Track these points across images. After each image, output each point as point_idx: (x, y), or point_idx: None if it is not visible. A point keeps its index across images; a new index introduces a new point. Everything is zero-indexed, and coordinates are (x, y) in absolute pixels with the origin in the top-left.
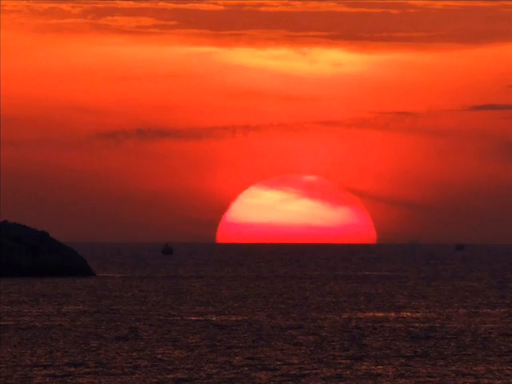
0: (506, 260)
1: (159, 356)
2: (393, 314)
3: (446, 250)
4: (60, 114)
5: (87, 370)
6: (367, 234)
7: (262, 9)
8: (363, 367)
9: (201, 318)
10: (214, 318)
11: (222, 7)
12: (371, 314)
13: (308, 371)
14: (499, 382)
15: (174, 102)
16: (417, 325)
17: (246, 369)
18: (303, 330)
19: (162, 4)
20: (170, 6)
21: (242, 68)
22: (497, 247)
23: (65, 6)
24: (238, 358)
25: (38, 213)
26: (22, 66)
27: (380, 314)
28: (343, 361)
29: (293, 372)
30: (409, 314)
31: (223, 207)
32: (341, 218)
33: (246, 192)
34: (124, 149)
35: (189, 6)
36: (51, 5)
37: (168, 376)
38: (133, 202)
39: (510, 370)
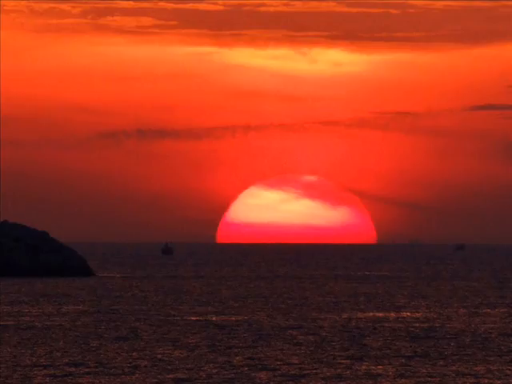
0: (506, 260)
1: (159, 356)
2: (393, 314)
3: (446, 249)
4: (60, 114)
5: (87, 369)
6: (367, 234)
7: (262, 9)
8: (363, 367)
9: (201, 318)
10: (214, 318)
11: (221, 7)
12: (371, 314)
13: (308, 371)
14: (499, 382)
15: (174, 102)
16: (417, 325)
17: (246, 369)
18: (303, 330)
19: (162, 4)
20: (170, 6)
21: (242, 68)
22: (497, 247)
23: (65, 6)
24: (237, 357)
25: (38, 213)
26: (22, 66)
27: (380, 314)
28: (343, 361)
29: (293, 372)
30: (409, 313)
31: (223, 207)
32: (341, 218)
33: (246, 192)
34: (124, 149)
35: (189, 5)
36: (51, 5)
37: (168, 376)
38: (133, 202)
39: (510, 369)
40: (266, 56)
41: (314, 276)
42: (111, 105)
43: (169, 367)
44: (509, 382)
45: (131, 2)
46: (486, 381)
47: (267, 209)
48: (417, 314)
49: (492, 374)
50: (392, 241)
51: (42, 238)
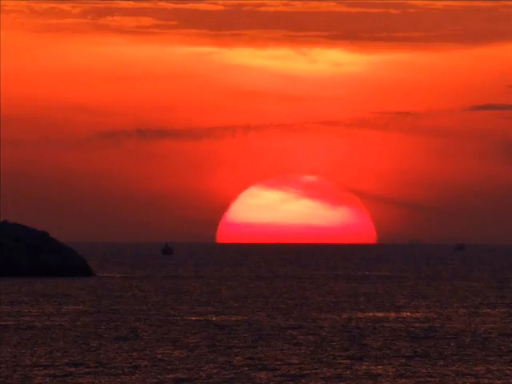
0: (506, 260)
1: (159, 356)
2: (393, 314)
3: (446, 249)
4: (60, 114)
5: (87, 369)
6: (367, 234)
7: (262, 9)
8: (363, 367)
9: (201, 318)
10: (214, 318)
11: (221, 7)
12: (371, 314)
13: (308, 371)
14: (499, 382)
15: (174, 102)
16: (417, 325)
17: (246, 369)
18: (303, 330)
19: (162, 4)
20: (170, 6)
21: (242, 68)
22: (497, 247)
23: (65, 6)
24: (237, 357)
25: (38, 213)
26: (22, 66)
27: (380, 314)
28: (343, 361)
29: (293, 372)
30: (409, 313)
31: (223, 207)
32: (341, 218)
33: (246, 192)
34: (124, 149)
35: (189, 5)
36: (51, 5)
37: (168, 376)
38: (133, 202)
39: (510, 369)
40: (265, 56)
41: (314, 276)
42: (111, 105)
43: (169, 367)
44: (509, 382)
45: (131, 2)
46: (486, 381)
47: (267, 209)
48: (417, 314)
49: (492, 373)
50: (392, 241)
51: (42, 238)
